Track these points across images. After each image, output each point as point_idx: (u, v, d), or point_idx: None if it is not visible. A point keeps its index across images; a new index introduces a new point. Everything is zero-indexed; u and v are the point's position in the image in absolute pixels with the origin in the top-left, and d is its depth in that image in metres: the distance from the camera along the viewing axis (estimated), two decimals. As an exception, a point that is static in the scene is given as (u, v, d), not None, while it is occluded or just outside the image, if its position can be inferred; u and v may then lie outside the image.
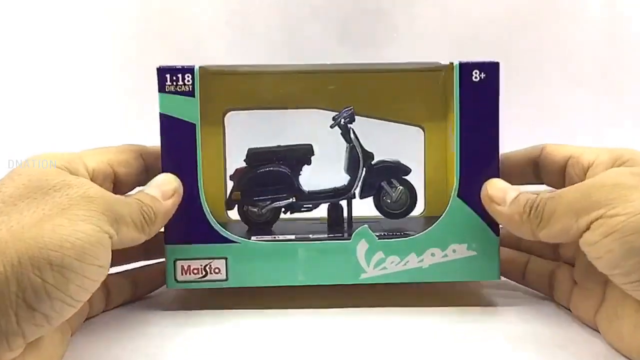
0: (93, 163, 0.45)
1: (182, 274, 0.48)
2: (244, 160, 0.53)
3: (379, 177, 0.53)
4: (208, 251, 0.47)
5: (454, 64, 0.47)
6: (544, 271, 0.51)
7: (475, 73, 0.47)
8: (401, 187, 0.53)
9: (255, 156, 0.52)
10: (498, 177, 0.47)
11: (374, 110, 0.56)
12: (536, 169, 0.50)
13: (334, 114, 0.53)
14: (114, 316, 0.48)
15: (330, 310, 0.48)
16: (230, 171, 0.54)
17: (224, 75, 0.54)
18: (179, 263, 0.48)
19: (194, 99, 0.46)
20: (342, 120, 0.52)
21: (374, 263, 0.48)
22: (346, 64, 0.55)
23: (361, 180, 0.52)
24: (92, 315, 0.47)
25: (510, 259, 0.52)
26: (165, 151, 0.47)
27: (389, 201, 0.53)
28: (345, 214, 0.54)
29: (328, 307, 0.48)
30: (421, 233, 0.48)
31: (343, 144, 0.54)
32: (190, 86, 0.46)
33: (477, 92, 0.47)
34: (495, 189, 0.46)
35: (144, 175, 0.48)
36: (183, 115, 0.46)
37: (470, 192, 0.47)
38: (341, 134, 0.52)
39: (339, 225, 0.53)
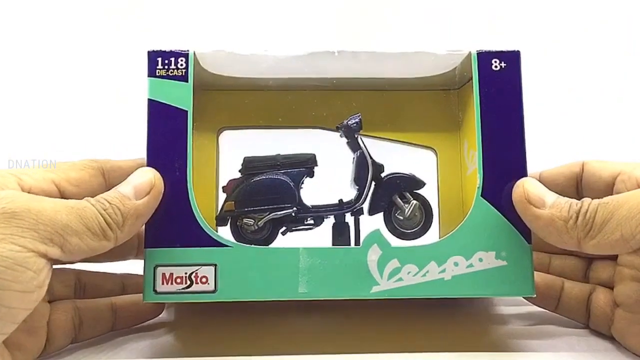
0: (32, 181, 0.39)
1: (163, 284, 0.40)
2: (239, 171, 0.47)
3: (390, 190, 0.47)
4: (195, 256, 0.41)
5: (472, 54, 0.43)
6: (582, 296, 0.45)
7: (495, 62, 0.43)
8: (415, 202, 0.47)
9: (251, 164, 0.47)
10: (526, 174, 0.42)
11: (382, 130, 0.51)
12: (577, 187, 0.46)
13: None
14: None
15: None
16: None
17: (218, 91, 0.50)
18: (160, 270, 0.40)
19: (187, 84, 0.42)
20: (349, 123, 0.47)
21: (388, 273, 0.41)
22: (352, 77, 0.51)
23: (370, 194, 0.47)
24: (57, 349, 0.41)
25: (542, 283, 0.45)
26: (152, 141, 0.42)
27: (401, 218, 0.47)
28: (352, 232, 0.47)
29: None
30: (442, 238, 0.41)
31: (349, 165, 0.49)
32: (184, 70, 0.42)
33: (497, 82, 0.43)
34: (533, 188, 0.40)
35: None
36: (174, 101, 0.42)
37: (495, 192, 0.42)
38: (347, 143, 0.47)
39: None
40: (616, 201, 0.37)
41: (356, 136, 0.48)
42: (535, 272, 0.43)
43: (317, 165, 0.47)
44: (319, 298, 0.41)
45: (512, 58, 0.43)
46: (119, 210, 0.37)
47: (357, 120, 0.47)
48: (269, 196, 0.46)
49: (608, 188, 0.44)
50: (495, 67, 0.43)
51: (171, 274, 0.40)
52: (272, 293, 0.41)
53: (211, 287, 0.40)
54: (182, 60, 0.42)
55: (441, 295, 0.41)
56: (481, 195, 0.42)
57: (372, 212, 0.47)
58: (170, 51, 0.42)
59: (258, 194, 0.46)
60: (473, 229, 0.42)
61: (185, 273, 0.40)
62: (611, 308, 0.43)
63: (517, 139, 0.42)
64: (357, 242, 0.46)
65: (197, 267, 0.41)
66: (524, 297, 0.45)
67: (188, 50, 0.42)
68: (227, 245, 0.41)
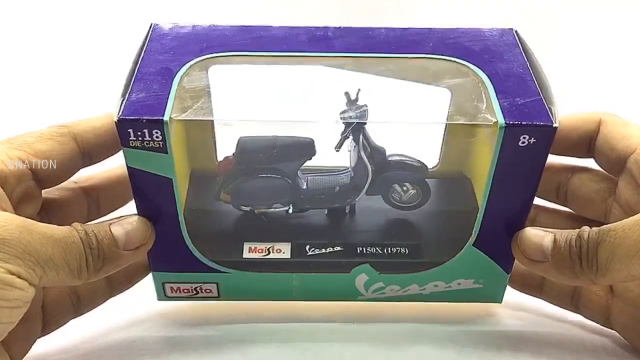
0: None
1: (171, 293, 0.46)
2: (234, 155, 0.45)
3: (389, 180, 0.46)
4: (197, 278, 0.45)
5: (499, 125, 0.36)
6: (565, 286, 0.45)
7: (524, 138, 0.37)
8: (413, 191, 0.46)
9: (247, 157, 0.44)
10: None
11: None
12: (590, 145, 0.43)
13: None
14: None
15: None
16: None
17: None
18: (168, 285, 0.45)
19: (166, 155, 0.37)
20: (353, 126, 0.42)
21: (373, 290, 0.46)
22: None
23: (368, 182, 0.45)
24: (57, 328, 0.43)
25: (524, 272, 0.46)
26: (139, 202, 0.40)
27: (399, 198, 0.47)
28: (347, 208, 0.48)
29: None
30: (426, 271, 0.44)
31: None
32: (161, 143, 0.36)
33: (520, 158, 0.37)
34: (529, 245, 0.40)
35: (80, 160, 0.41)
36: (156, 170, 0.38)
37: (488, 243, 0.42)
38: (352, 139, 0.43)
39: (340, 235, 0.47)
40: (613, 237, 0.37)
41: (360, 128, 0.43)
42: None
43: (315, 154, 0.45)
44: (310, 300, 0.47)
45: (545, 134, 0.36)
46: (103, 253, 0.38)
47: (362, 113, 0.42)
48: (265, 197, 0.45)
49: (620, 161, 0.41)
50: (523, 143, 0.37)
51: (178, 287, 0.45)
52: (269, 297, 0.46)
53: (215, 294, 0.46)
54: (157, 133, 0.36)
55: (417, 301, 0.46)
56: (472, 245, 0.42)
57: (370, 193, 0.46)
58: (143, 121, 0.36)
59: (254, 194, 0.45)
60: (457, 266, 0.44)
61: (191, 286, 0.45)
62: (607, 299, 0.43)
63: (523, 209, 0.40)
64: (351, 220, 0.48)
65: (201, 284, 0.45)
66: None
67: (163, 118, 0.36)
68: (226, 272, 0.44)
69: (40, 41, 0.77)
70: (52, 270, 0.35)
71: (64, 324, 0.43)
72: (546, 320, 0.48)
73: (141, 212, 0.40)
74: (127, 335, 0.46)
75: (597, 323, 0.45)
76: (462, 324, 0.47)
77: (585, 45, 0.77)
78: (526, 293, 0.47)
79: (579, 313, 0.46)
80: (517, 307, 0.48)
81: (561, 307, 0.47)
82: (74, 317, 0.44)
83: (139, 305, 0.47)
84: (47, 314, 0.42)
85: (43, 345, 0.43)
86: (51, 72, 0.73)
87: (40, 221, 0.36)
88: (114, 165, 0.44)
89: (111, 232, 0.38)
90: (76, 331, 0.45)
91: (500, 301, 0.47)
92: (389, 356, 0.44)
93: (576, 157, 0.44)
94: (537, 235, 0.40)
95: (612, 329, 0.45)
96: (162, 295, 0.46)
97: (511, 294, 0.47)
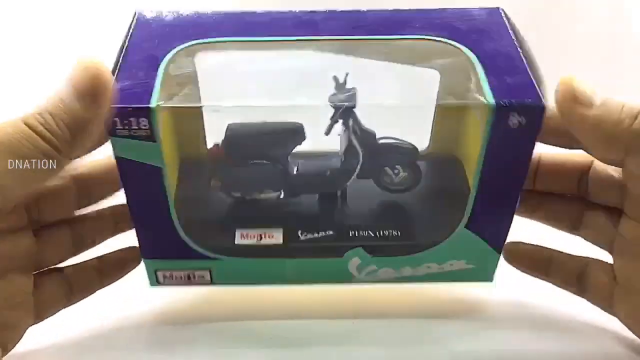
0: None
1: (164, 279, 0.45)
2: (222, 142, 0.44)
3: (380, 163, 0.45)
4: (190, 265, 0.44)
5: (488, 105, 0.36)
6: (571, 270, 0.44)
7: (514, 117, 0.37)
8: (404, 173, 0.46)
9: (236, 145, 0.44)
10: (514, 212, 0.42)
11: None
12: (580, 182, 0.42)
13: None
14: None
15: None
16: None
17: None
18: (160, 272, 0.45)
19: (155, 144, 0.37)
20: (342, 109, 0.42)
21: (366, 273, 0.46)
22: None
23: (360, 165, 0.45)
24: (49, 316, 0.43)
25: (531, 254, 0.45)
26: (130, 196, 0.39)
27: (390, 181, 0.47)
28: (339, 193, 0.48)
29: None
30: (418, 253, 0.44)
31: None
32: (149, 131, 0.36)
33: (511, 139, 0.37)
34: (583, 85, 0.35)
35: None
36: (144, 159, 0.38)
37: (480, 225, 0.42)
38: (342, 123, 0.43)
39: (332, 219, 0.47)
40: None
41: (350, 112, 0.43)
42: (526, 244, 0.45)
43: (305, 139, 0.44)
44: (303, 284, 0.47)
45: (534, 113, 0.36)
46: (57, 113, 0.34)
47: (351, 97, 0.42)
48: (256, 183, 0.45)
49: (617, 186, 0.40)
50: (513, 123, 0.37)
51: (171, 274, 0.45)
52: (263, 281, 0.46)
53: (208, 280, 0.46)
54: (144, 121, 0.36)
55: (411, 282, 0.46)
56: (465, 227, 0.42)
57: (361, 177, 0.46)
58: (130, 109, 0.35)
59: (244, 181, 0.45)
60: (450, 248, 0.44)
61: (184, 273, 0.45)
62: (610, 286, 0.42)
63: (515, 189, 0.40)
64: (343, 205, 0.48)
65: (193, 270, 0.45)
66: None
67: (149, 105, 0.35)
68: (219, 259, 0.44)
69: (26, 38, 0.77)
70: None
71: (56, 312, 0.43)
72: (544, 320, 0.48)
73: (131, 202, 0.40)
74: (119, 325, 0.46)
75: (601, 309, 0.44)
76: (461, 320, 0.47)
77: (574, 28, 0.76)
78: (532, 275, 0.46)
79: (583, 297, 0.45)
80: (517, 305, 0.48)
81: (566, 289, 0.45)
82: (66, 306, 0.43)
83: (132, 294, 0.47)
84: (39, 302, 0.41)
85: (33, 332, 0.42)
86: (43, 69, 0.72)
87: (29, 211, 0.36)
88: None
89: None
90: (68, 321, 0.44)
91: (491, 280, 0.47)
92: (389, 354, 0.44)
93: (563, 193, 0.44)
94: (591, 85, 0.36)
95: (615, 316, 0.44)
96: (155, 282, 0.46)
97: (509, 291, 0.47)
